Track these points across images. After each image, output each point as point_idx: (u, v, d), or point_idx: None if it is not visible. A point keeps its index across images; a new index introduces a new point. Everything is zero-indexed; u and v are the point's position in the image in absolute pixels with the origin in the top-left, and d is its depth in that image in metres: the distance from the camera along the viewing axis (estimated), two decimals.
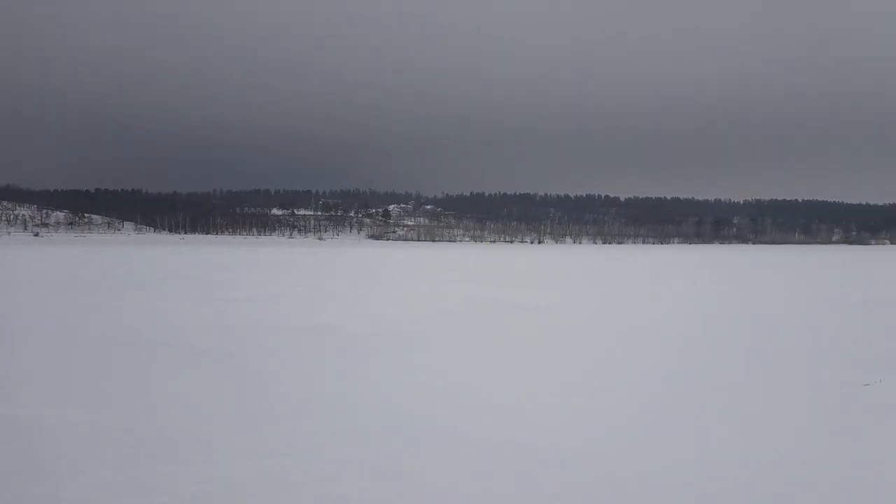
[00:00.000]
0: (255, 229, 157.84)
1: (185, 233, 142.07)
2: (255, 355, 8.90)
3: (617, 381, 7.61)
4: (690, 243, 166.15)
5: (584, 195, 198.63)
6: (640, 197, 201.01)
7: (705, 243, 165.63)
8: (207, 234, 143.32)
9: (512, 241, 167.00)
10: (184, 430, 5.37)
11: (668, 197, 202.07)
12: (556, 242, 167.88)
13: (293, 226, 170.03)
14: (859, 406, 6.26)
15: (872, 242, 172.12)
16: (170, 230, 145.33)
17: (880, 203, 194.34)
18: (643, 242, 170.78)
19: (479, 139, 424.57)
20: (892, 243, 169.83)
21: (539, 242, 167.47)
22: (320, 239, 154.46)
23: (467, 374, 7.86)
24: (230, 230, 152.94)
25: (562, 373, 8.11)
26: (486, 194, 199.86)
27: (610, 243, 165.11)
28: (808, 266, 39.88)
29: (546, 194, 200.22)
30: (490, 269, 35.12)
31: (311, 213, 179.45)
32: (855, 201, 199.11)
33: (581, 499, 4.06)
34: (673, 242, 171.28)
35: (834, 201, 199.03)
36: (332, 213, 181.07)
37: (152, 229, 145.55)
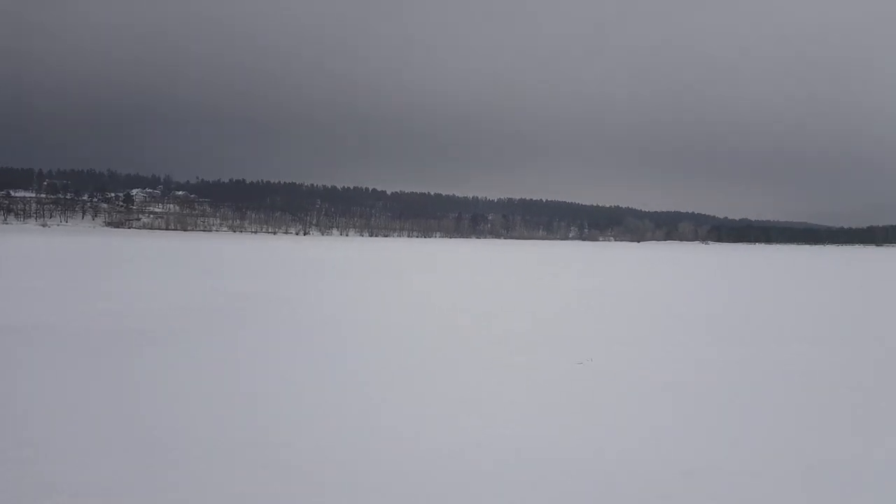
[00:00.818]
0: None
1: None
2: None
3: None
4: (450, 237, 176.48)
5: (352, 187, 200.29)
6: (406, 192, 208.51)
7: (464, 237, 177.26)
8: None
9: (275, 233, 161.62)
10: None
11: (432, 193, 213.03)
12: (323, 234, 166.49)
13: (8, 209, 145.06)
14: (573, 381, 6.70)
15: (601, 238, 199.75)
16: None
17: (606, 205, 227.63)
18: (408, 236, 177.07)
19: (243, 123, 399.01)
20: (616, 239, 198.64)
21: (305, 234, 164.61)
22: (44, 226, 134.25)
23: None
24: None
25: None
26: (248, 181, 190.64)
27: (376, 236, 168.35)
28: (552, 259, 42.34)
29: (313, 185, 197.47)
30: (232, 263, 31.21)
31: (33, 195, 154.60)
32: (587, 203, 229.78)
33: None
34: (435, 236, 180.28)
35: (571, 202, 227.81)
36: (60, 196, 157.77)
37: None
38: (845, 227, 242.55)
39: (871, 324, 12.89)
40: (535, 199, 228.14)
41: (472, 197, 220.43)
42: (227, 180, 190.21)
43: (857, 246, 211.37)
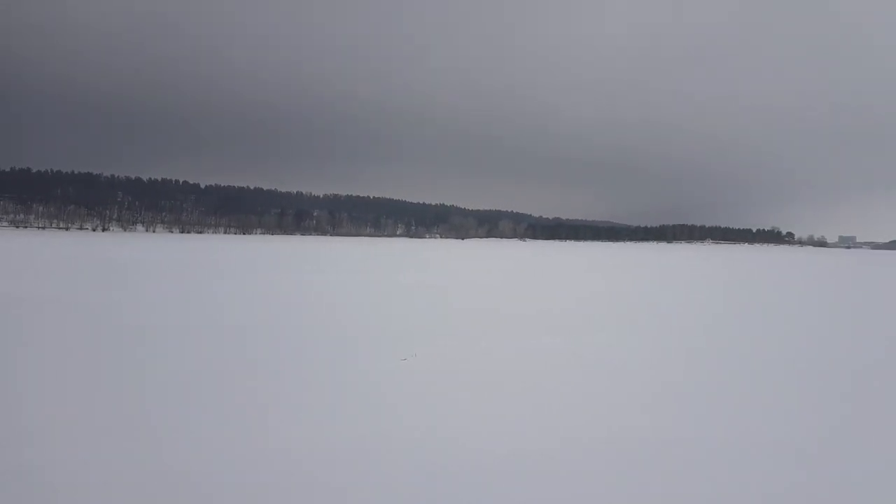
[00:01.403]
0: None
1: None
2: None
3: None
4: (273, 234, 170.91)
5: (160, 179, 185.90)
6: (223, 185, 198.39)
7: (287, 234, 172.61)
8: None
9: (68, 228, 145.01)
10: None
11: (252, 187, 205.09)
12: (125, 230, 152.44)
13: None
14: (396, 377, 6.45)
15: (427, 236, 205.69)
16: None
17: (433, 203, 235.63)
18: (224, 232, 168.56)
19: (31, 106, 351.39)
20: (441, 236, 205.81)
21: (103, 230, 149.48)
22: None
23: None
24: None
25: None
26: (34, 171, 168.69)
27: (189, 232, 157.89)
28: (376, 255, 40.57)
29: (113, 175, 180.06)
30: None
31: None
32: (414, 201, 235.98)
33: None
34: (255, 233, 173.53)
35: (399, 200, 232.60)
36: None
37: None
38: (642, 226, 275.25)
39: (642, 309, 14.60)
40: (362, 195, 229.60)
41: (297, 192, 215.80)
42: (7, 169, 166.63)
43: (651, 242, 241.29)
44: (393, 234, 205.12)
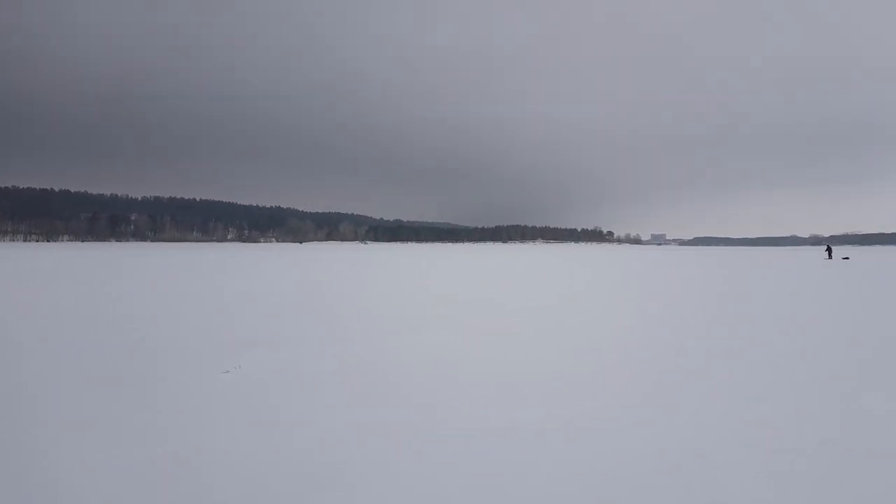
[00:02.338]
0: None
1: None
2: None
3: None
4: (83, 241, 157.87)
5: None
6: (21, 187, 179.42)
7: (100, 241, 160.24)
8: None
9: None
10: None
11: (57, 189, 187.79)
12: None
13: None
14: (218, 394, 5.79)
15: (262, 240, 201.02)
16: None
17: (267, 205, 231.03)
18: (25, 240, 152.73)
19: None
20: (277, 241, 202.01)
21: None
22: None
23: None
24: None
25: None
26: None
27: None
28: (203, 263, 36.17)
29: None
30: None
31: None
32: (246, 203, 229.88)
33: None
34: (62, 240, 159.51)
35: (229, 202, 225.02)
36: None
37: None
38: (479, 226, 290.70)
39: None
40: (188, 198, 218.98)
41: (111, 195, 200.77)
42: None
43: (488, 243, 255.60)
44: (223, 239, 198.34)
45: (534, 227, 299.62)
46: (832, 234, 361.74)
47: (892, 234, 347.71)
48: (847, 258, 50.14)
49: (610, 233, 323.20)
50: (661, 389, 5.86)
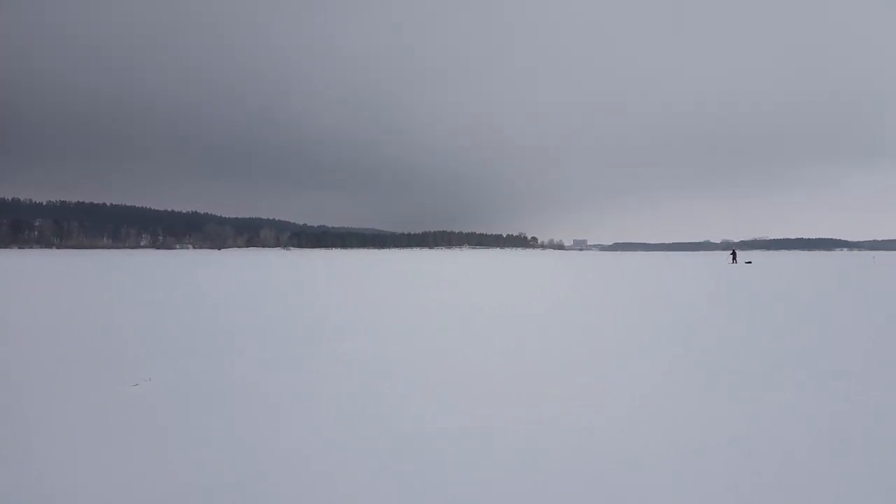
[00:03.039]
0: None
1: None
2: None
3: None
4: None
5: None
6: None
7: (1, 248, 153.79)
8: None
9: None
10: None
11: None
12: None
13: None
14: (128, 406, 5.62)
15: (178, 246, 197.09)
16: None
17: (183, 210, 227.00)
18: None
19: None
20: (195, 247, 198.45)
21: None
22: None
23: None
24: None
25: None
26: None
27: None
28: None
29: None
30: None
31: None
32: (161, 208, 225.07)
33: None
34: None
35: (143, 207, 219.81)
36: None
37: None
38: (405, 232, 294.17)
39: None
40: (98, 202, 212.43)
41: (12, 199, 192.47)
42: None
43: (415, 248, 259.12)
44: (136, 246, 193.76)
45: (460, 233, 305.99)
46: (743, 239, 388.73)
47: (796, 239, 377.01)
48: (750, 262, 53.04)
49: (534, 238, 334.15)
50: (566, 391, 5.95)
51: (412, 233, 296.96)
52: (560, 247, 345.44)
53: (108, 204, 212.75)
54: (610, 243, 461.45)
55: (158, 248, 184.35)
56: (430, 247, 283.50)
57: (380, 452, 4.20)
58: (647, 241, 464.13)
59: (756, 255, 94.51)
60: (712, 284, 23.20)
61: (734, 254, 53.65)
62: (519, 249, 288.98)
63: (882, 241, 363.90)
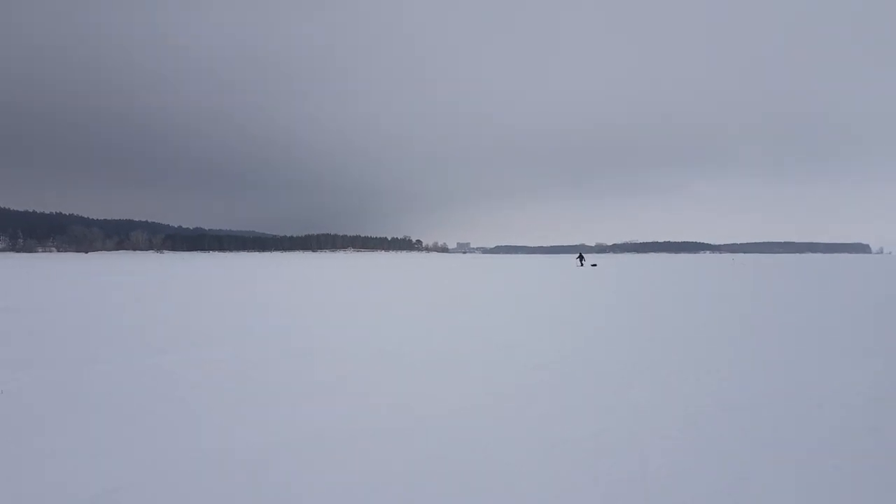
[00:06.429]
0: None
1: None
2: None
3: None
4: None
5: None
6: None
7: None
8: None
9: None
10: None
11: None
12: None
13: None
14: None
15: (40, 250, 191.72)
16: None
17: (46, 211, 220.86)
18: None
19: None
20: (59, 250, 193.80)
21: None
22: None
23: None
24: None
25: None
26: None
27: None
28: None
29: None
30: None
31: None
32: (19, 208, 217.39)
33: None
34: None
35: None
36: None
37: None
38: (288, 235, 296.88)
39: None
40: None
41: None
42: None
43: (298, 252, 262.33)
44: None
45: (344, 236, 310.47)
46: (615, 242, 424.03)
47: (664, 242, 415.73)
48: (595, 265, 59.85)
49: (419, 241, 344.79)
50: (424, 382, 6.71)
51: (295, 235, 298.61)
52: (444, 250, 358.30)
53: None
54: (492, 246, 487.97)
55: (18, 252, 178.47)
56: (314, 249, 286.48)
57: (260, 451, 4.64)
58: (528, 245, 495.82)
59: (623, 258, 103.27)
60: (552, 285, 25.56)
61: (581, 257, 61.03)
62: (403, 252, 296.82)
63: (741, 244, 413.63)
